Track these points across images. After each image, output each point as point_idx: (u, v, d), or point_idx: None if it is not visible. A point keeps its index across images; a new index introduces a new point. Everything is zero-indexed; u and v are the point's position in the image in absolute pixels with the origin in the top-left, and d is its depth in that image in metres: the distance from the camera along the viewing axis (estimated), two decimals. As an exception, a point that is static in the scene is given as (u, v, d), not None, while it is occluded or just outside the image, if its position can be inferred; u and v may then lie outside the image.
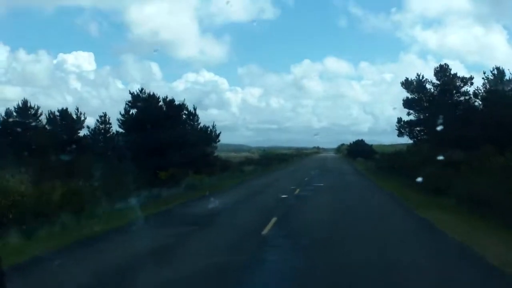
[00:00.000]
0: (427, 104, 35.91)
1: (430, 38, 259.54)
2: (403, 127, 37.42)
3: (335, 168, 56.11)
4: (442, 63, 36.50)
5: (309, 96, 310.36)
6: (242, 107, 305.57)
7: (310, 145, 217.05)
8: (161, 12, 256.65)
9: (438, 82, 35.76)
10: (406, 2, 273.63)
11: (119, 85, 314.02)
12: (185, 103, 30.46)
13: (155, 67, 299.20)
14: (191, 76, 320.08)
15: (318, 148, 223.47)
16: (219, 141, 33.43)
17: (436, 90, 35.81)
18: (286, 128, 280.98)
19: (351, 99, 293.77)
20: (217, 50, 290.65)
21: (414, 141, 37.42)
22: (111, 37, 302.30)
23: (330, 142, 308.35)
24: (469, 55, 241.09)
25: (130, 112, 28.37)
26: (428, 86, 36.40)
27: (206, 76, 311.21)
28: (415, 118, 36.90)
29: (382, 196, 22.99)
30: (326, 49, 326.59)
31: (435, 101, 35.26)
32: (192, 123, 31.46)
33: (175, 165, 25.14)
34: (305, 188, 26.15)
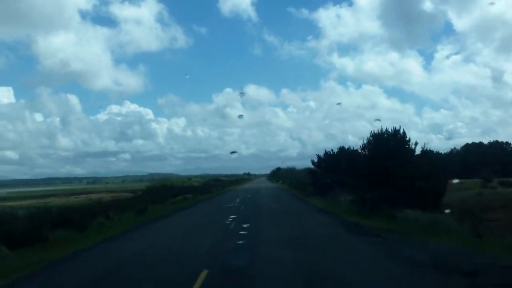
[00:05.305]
0: None
1: (347, 64, 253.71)
2: None
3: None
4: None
5: (234, 125, 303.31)
6: (168, 137, 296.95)
7: (240, 171, 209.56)
8: (69, 42, 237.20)
9: None
10: (321, 30, 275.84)
11: (39, 118, 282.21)
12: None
13: (73, 100, 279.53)
14: (114, 108, 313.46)
15: (249, 174, 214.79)
16: None
17: None
18: (214, 156, 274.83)
19: (277, 126, 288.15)
20: (134, 81, 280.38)
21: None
22: (21, 70, 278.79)
23: (261, 168, 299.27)
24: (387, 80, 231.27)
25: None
26: None
27: (130, 107, 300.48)
28: None
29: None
30: (246, 77, 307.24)
31: None
32: None
33: None
34: None
